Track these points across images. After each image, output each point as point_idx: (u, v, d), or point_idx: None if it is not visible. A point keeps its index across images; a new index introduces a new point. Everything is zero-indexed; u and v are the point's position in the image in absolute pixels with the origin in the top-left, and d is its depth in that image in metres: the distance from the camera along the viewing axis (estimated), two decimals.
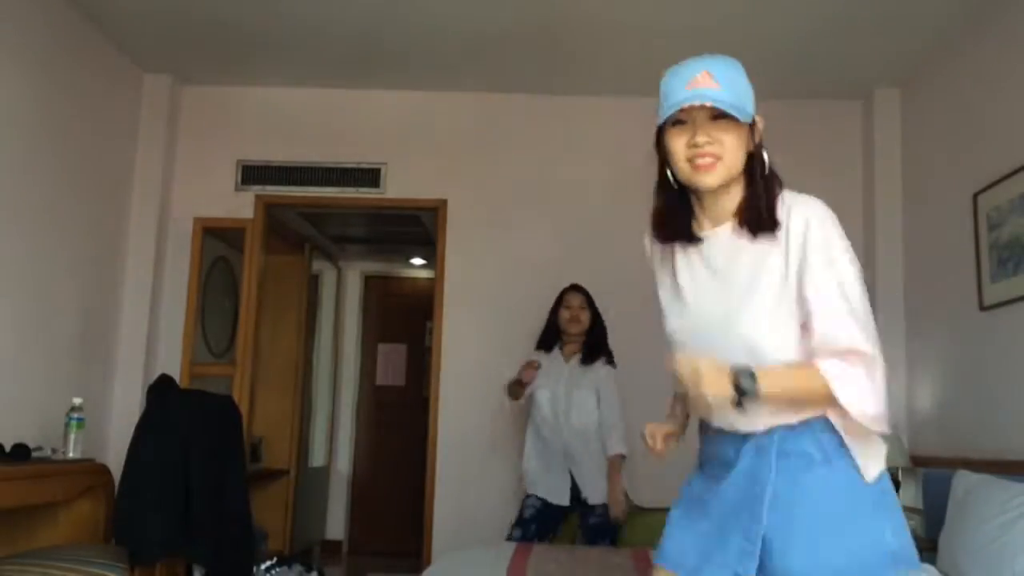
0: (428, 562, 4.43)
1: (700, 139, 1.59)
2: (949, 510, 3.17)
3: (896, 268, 4.48)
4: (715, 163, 1.60)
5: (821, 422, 1.59)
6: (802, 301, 1.58)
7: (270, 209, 4.94)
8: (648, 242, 1.83)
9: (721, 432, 1.69)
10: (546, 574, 2.91)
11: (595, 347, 3.85)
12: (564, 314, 3.87)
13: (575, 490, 3.76)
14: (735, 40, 4.14)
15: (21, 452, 3.34)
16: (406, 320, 7.21)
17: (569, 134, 4.84)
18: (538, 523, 3.76)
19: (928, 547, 3.58)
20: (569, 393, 3.78)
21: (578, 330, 3.85)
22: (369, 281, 7.37)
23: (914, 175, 4.44)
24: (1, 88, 3.59)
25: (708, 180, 1.62)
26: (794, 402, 1.57)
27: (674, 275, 1.74)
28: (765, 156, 1.67)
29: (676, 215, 1.71)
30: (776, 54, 4.27)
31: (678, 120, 1.62)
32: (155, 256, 4.66)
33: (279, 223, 5.44)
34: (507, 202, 4.81)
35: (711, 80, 1.57)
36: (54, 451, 3.53)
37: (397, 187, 4.86)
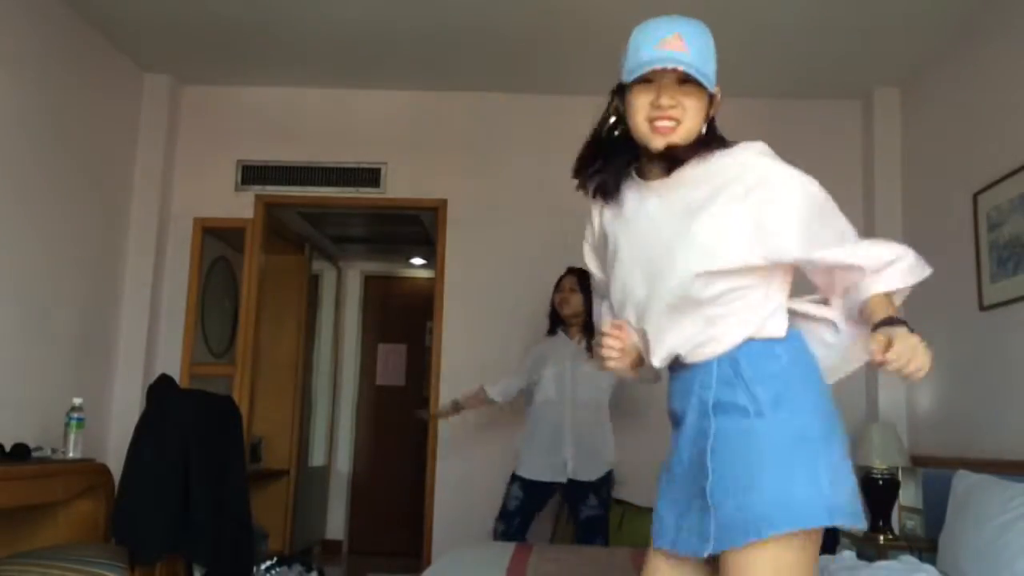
0: (428, 562, 4.43)
1: (665, 101, 1.60)
2: (949, 510, 3.17)
3: None
4: (675, 127, 1.62)
5: (755, 375, 1.60)
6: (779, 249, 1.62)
7: (270, 209, 4.94)
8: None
9: (674, 377, 1.72)
10: (545, 574, 2.91)
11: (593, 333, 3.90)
12: (555, 296, 3.94)
13: (567, 488, 3.81)
14: (735, 39, 4.14)
15: (21, 452, 3.34)
16: (406, 320, 7.21)
17: (570, 134, 4.81)
18: (522, 515, 3.82)
19: (928, 547, 3.59)
20: (576, 368, 3.81)
21: (569, 312, 3.88)
22: (369, 281, 7.37)
23: (914, 175, 4.44)
24: (1, 89, 3.59)
25: (663, 143, 1.64)
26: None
27: (636, 209, 1.74)
28: (707, 127, 1.68)
29: (620, 166, 1.74)
30: (776, 54, 4.27)
31: (644, 78, 1.62)
32: (155, 256, 4.66)
33: (279, 223, 5.44)
34: (507, 202, 4.80)
35: (682, 43, 1.58)
36: (54, 451, 3.53)
37: (397, 187, 4.86)
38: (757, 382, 1.60)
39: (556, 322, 3.97)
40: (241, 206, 4.85)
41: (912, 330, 1.52)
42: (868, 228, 4.58)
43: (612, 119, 1.72)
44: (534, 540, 4.02)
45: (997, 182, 3.59)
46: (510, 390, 4.02)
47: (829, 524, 1.52)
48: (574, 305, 3.86)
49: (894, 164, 4.56)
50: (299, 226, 5.96)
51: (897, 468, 4.05)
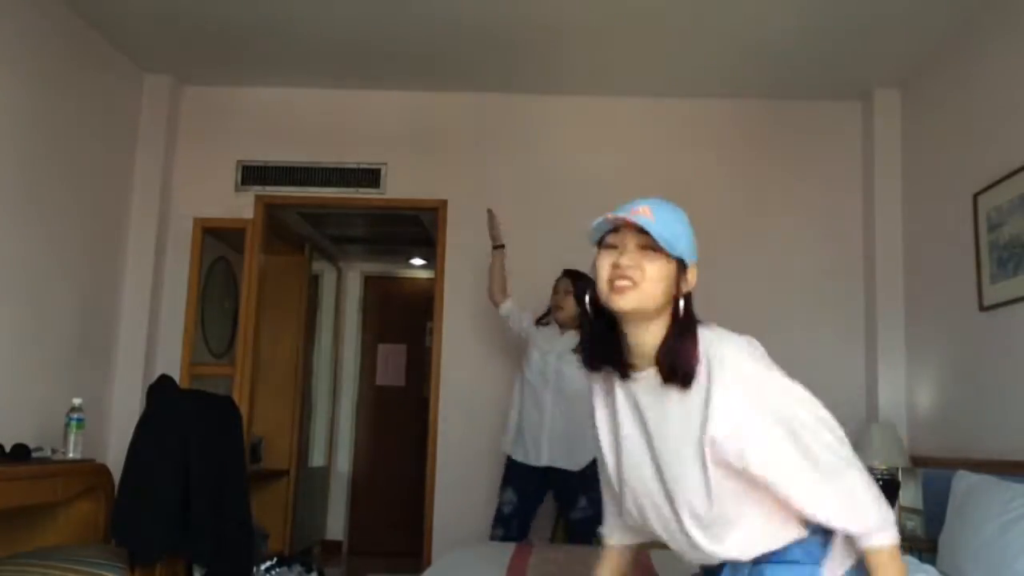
0: (428, 562, 4.43)
1: (623, 260, 1.60)
2: (949, 510, 3.17)
3: (896, 268, 4.47)
4: (632, 287, 1.58)
5: (797, 552, 1.61)
6: (747, 463, 1.55)
7: (270, 209, 4.94)
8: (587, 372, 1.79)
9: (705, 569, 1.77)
10: (546, 575, 2.91)
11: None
12: (552, 298, 3.94)
13: (552, 479, 3.83)
14: (735, 40, 4.14)
15: (21, 452, 3.34)
16: (406, 320, 7.21)
17: (569, 134, 4.84)
18: (519, 518, 3.83)
19: (928, 547, 3.59)
20: (561, 358, 3.80)
21: (562, 317, 3.86)
22: (369, 281, 7.37)
23: (914, 175, 4.44)
24: (1, 89, 3.59)
25: (621, 302, 1.59)
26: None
27: (614, 410, 1.73)
28: (683, 304, 1.63)
29: (605, 343, 1.70)
30: (776, 54, 4.27)
31: (610, 244, 1.64)
32: (155, 256, 4.66)
33: (279, 223, 5.44)
34: (507, 202, 4.80)
35: (650, 214, 1.59)
36: (54, 451, 3.53)
37: (397, 187, 4.86)
38: (798, 557, 1.62)
39: (550, 319, 4.01)
40: (241, 206, 4.84)
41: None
42: (868, 228, 4.59)
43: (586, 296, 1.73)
44: (534, 540, 4.01)
45: (997, 182, 3.58)
46: (513, 311, 4.09)
47: None
48: (568, 309, 3.84)
49: (894, 164, 4.56)
50: (299, 226, 5.96)
51: (897, 468, 4.05)
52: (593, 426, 1.81)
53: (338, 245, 6.87)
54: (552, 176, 4.81)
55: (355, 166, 4.87)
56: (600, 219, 1.63)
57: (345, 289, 7.25)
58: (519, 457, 3.88)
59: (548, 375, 3.84)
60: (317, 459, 6.76)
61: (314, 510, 6.60)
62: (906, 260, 4.46)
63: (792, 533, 1.61)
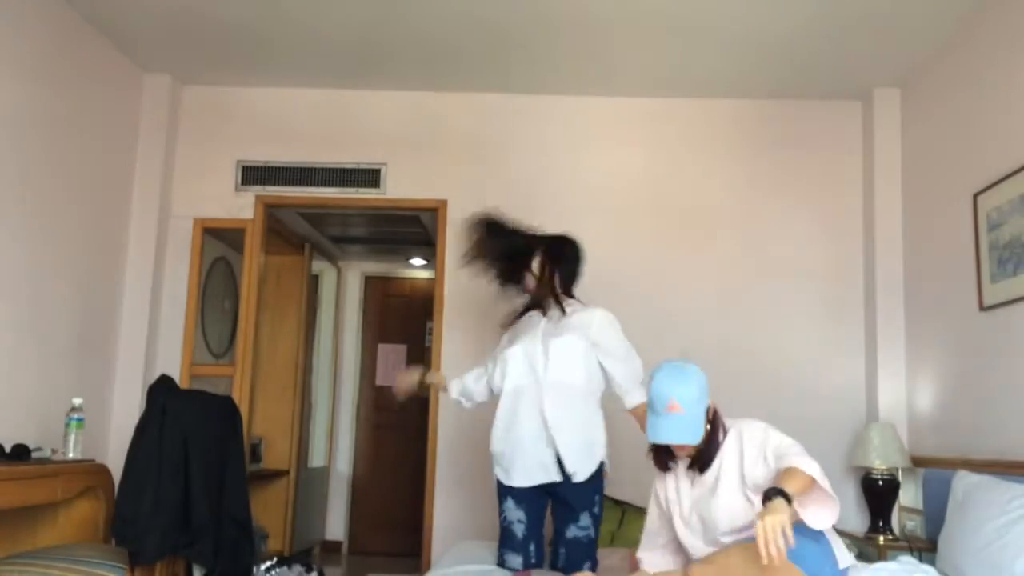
0: (428, 562, 4.44)
1: (675, 450, 2.56)
2: (949, 510, 3.17)
3: (896, 268, 4.48)
4: (688, 450, 2.52)
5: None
6: (754, 475, 2.47)
7: (270, 209, 4.94)
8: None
9: None
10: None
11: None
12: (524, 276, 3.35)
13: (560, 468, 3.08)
14: (735, 40, 4.14)
15: (21, 452, 3.35)
16: (406, 320, 7.22)
17: (569, 134, 4.84)
18: (535, 539, 3.14)
19: (928, 547, 3.59)
20: (548, 343, 3.11)
21: (533, 283, 3.31)
22: (369, 281, 7.37)
23: (914, 175, 4.44)
24: (1, 89, 3.59)
25: (685, 456, 2.58)
26: (805, 491, 2.26)
27: (677, 489, 2.65)
28: (710, 428, 2.53)
29: (662, 453, 2.64)
30: (776, 54, 4.27)
31: None
32: (155, 256, 4.66)
33: (279, 223, 5.44)
34: (507, 202, 4.80)
35: (678, 406, 2.39)
36: (54, 451, 3.53)
37: (397, 187, 4.86)
38: None
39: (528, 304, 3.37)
40: (241, 206, 4.85)
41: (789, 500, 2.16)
42: (868, 228, 4.59)
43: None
44: None
45: (997, 182, 3.59)
46: (472, 389, 3.45)
47: None
48: (545, 279, 3.24)
49: (894, 164, 4.56)
50: (299, 226, 5.96)
51: (897, 468, 4.05)
52: (666, 500, 2.71)
53: (338, 245, 6.88)
54: (552, 176, 4.81)
55: (355, 166, 4.87)
56: (653, 437, 2.45)
57: (345, 289, 7.26)
58: (528, 483, 3.14)
59: (537, 369, 3.13)
60: (317, 459, 6.77)
61: (314, 510, 6.61)
62: (906, 260, 4.46)
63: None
